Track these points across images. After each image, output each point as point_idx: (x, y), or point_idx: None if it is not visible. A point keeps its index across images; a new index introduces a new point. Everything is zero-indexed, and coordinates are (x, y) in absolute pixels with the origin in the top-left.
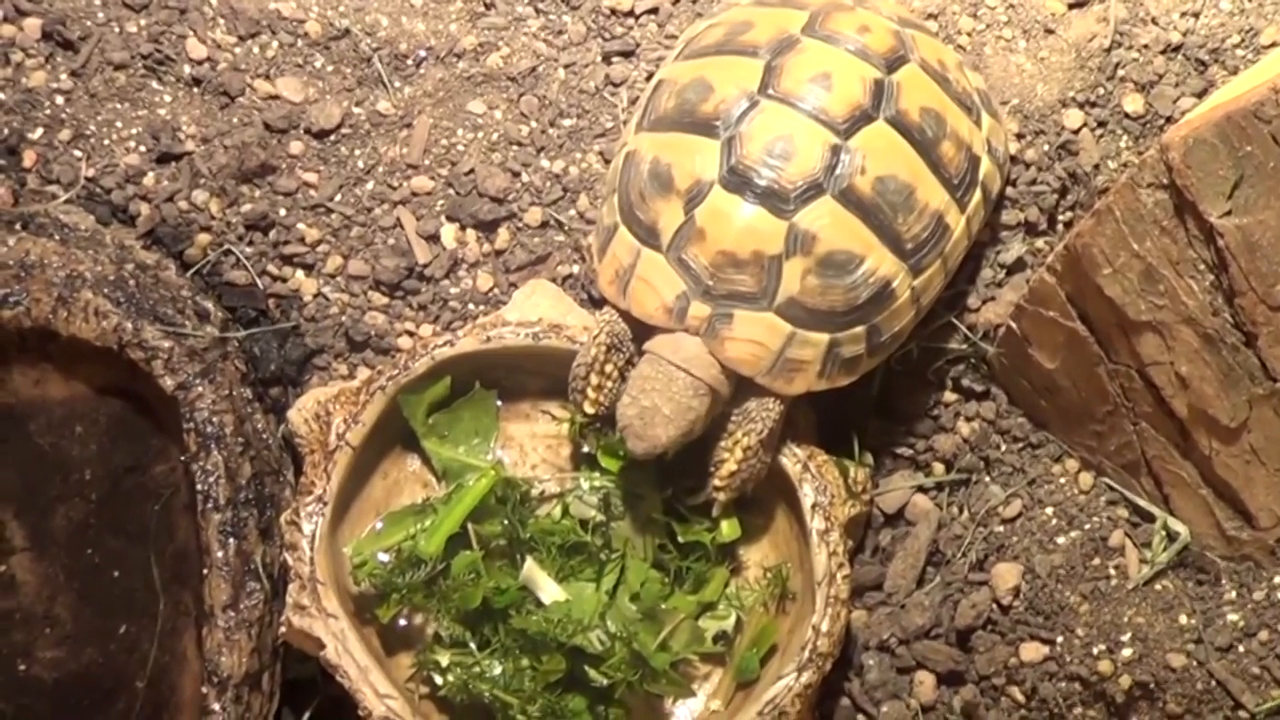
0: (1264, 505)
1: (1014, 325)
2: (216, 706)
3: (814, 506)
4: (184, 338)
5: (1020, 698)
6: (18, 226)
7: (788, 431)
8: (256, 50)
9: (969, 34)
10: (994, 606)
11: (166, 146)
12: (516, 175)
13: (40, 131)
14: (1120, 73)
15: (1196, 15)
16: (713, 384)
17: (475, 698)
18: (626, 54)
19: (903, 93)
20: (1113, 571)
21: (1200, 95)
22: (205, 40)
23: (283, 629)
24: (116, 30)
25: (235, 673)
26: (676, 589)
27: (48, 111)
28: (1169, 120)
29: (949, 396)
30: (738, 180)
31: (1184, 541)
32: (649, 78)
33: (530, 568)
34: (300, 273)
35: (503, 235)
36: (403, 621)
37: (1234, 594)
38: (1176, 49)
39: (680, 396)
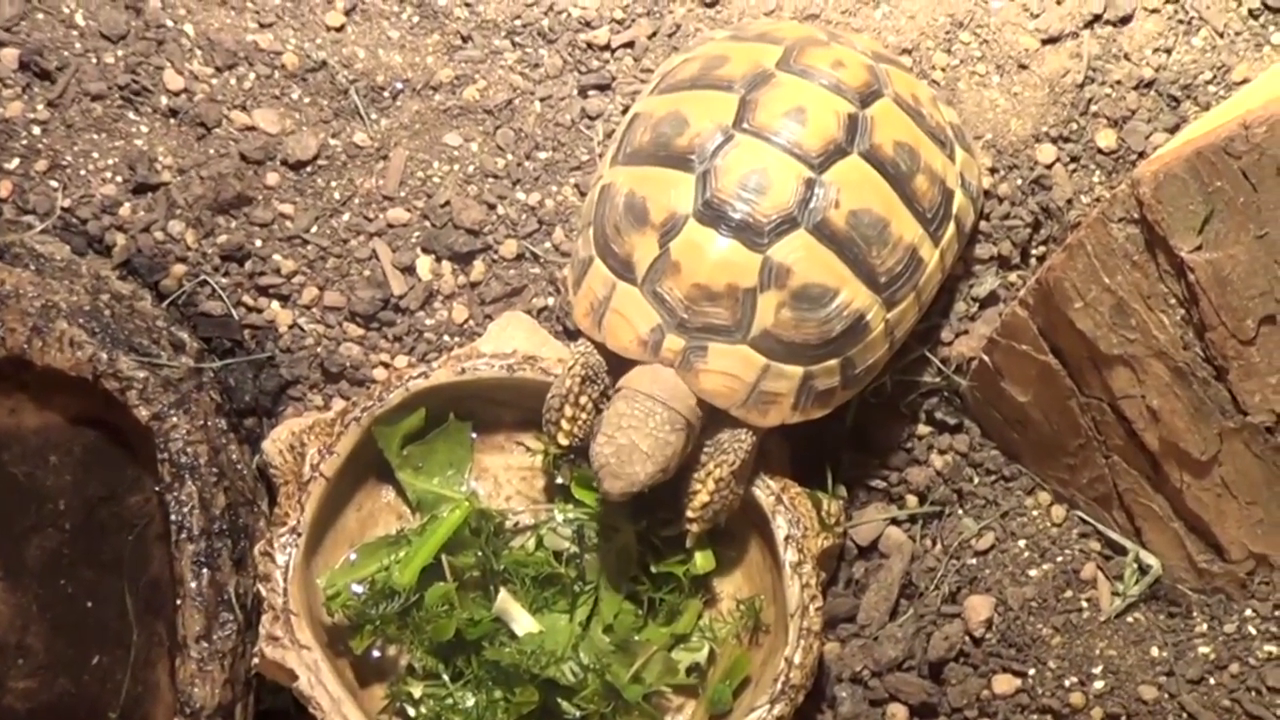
0: (1235, 538)
1: (987, 358)
2: None
3: (787, 539)
4: (159, 368)
5: None
6: None
7: (761, 464)
8: (233, 82)
9: (943, 69)
10: (966, 639)
11: (143, 177)
12: (492, 208)
13: (16, 162)
14: (1093, 108)
15: (1169, 52)
16: (689, 417)
17: None
18: (602, 87)
19: (876, 127)
20: (1085, 604)
21: (1173, 131)
22: (182, 71)
23: (256, 660)
24: (94, 61)
25: (208, 704)
26: (650, 621)
27: (24, 142)
28: (1141, 155)
29: (922, 429)
30: (712, 214)
31: (1156, 574)
32: (625, 111)
33: (504, 599)
34: (276, 304)
35: (478, 267)
36: (376, 653)
37: (1205, 627)
38: (1149, 85)
39: (658, 432)
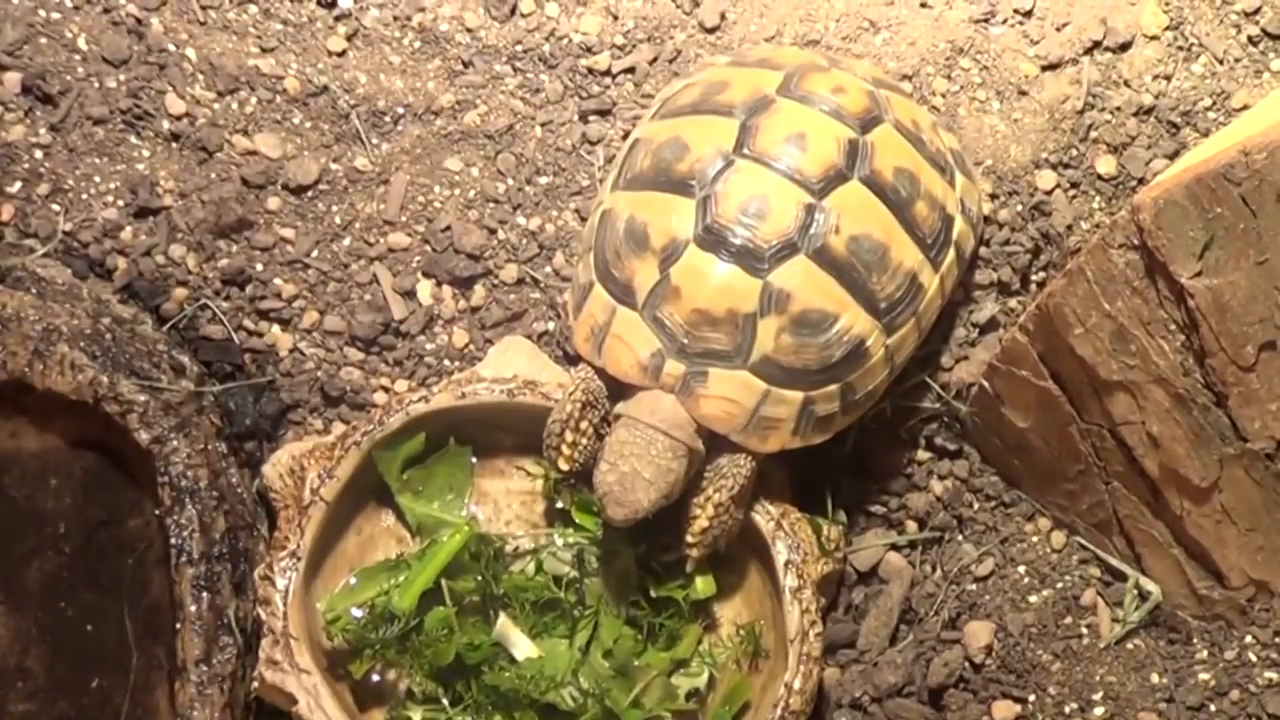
0: (1235, 565)
1: (987, 384)
2: None
3: (787, 564)
4: (159, 392)
5: None
6: None
7: (761, 489)
8: (235, 106)
9: (943, 95)
10: (966, 665)
11: (144, 201)
12: (493, 232)
13: (18, 185)
14: (1093, 134)
15: (1169, 78)
16: (690, 444)
17: None
18: (603, 113)
19: (877, 153)
20: (1085, 630)
21: (1172, 157)
22: (184, 96)
23: (255, 684)
24: (96, 85)
25: None
26: (650, 646)
27: (26, 165)
28: (1141, 182)
29: (922, 455)
30: (713, 239)
31: (1156, 601)
32: (625, 136)
33: (503, 624)
34: (276, 328)
35: (479, 292)
36: (376, 677)
37: (1205, 653)
38: (1149, 111)
39: (660, 459)
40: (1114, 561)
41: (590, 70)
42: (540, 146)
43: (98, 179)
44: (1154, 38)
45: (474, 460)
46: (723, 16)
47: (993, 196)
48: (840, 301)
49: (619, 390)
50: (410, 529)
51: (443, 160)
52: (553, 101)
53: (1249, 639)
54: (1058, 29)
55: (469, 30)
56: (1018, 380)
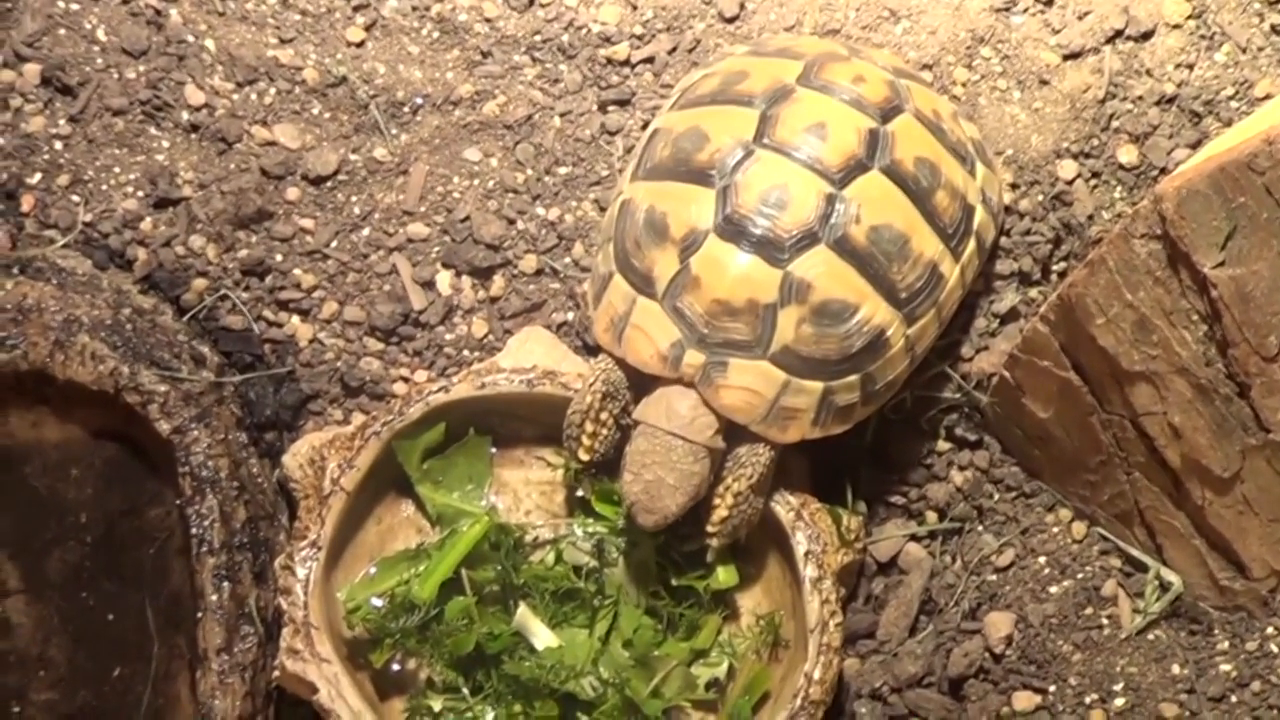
0: (1257, 555)
1: (1007, 374)
2: None
3: (807, 554)
4: (180, 382)
5: None
6: (15, 271)
7: (781, 479)
8: (254, 97)
9: (964, 84)
10: (986, 655)
11: (164, 192)
12: (512, 223)
13: (39, 176)
14: (1114, 124)
15: (1191, 67)
16: (710, 445)
17: None
18: (622, 103)
19: (897, 142)
20: (1105, 621)
21: (1194, 147)
22: (203, 86)
23: (276, 673)
24: (115, 76)
25: (228, 717)
26: (669, 635)
27: (46, 156)
28: (1163, 171)
29: (942, 445)
30: (733, 229)
31: (1177, 591)
32: (645, 126)
33: (523, 613)
34: (296, 318)
35: (498, 282)
36: (396, 666)
37: (1227, 644)
38: (1171, 100)
39: (681, 464)
40: (1135, 552)
41: (609, 60)
42: (559, 137)
43: (117, 170)
44: (1176, 26)
45: (493, 450)
46: (742, 6)
47: (1013, 186)
48: (861, 292)
49: (639, 380)
50: (430, 519)
51: (462, 151)
52: (571, 92)
53: (1270, 630)
54: (1079, 18)
55: (488, 20)
56: (1039, 370)
